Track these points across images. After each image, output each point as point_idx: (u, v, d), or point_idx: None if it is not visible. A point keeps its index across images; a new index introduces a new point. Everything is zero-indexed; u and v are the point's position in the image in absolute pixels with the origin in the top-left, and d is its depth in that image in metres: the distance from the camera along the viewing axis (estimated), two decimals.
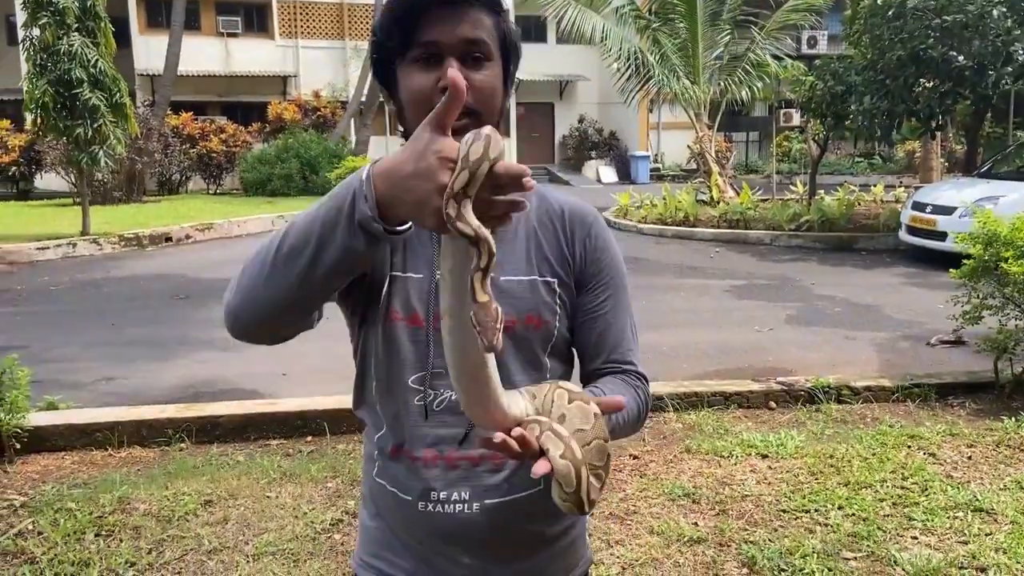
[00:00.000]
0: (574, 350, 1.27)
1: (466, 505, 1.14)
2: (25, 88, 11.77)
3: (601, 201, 17.68)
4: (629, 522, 3.26)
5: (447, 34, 1.08)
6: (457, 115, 0.87)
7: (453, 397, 1.11)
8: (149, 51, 22.40)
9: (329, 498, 3.53)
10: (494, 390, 0.95)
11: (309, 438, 4.29)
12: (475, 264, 0.86)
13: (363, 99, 21.12)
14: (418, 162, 0.87)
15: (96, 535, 3.19)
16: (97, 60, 11.33)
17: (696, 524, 3.21)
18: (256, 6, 25.11)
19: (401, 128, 1.18)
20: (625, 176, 26.48)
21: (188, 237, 13.06)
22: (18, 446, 3.98)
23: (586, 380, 1.25)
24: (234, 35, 24.66)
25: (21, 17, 20.59)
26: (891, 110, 11.22)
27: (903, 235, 10.83)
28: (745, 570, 2.87)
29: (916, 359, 5.84)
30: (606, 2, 16.62)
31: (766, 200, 14.99)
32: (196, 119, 21.99)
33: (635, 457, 3.94)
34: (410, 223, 0.93)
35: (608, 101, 25.88)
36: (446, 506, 1.15)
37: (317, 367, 5.29)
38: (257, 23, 25.34)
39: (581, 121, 28.61)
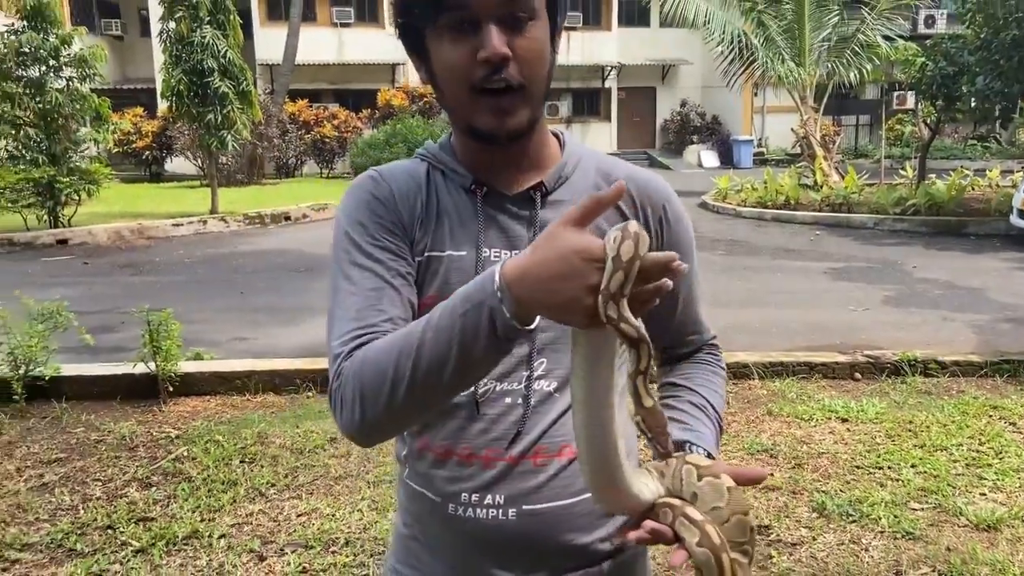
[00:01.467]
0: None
1: (500, 511, 1.04)
2: (161, 77, 12.82)
3: (700, 185, 17.65)
4: None
5: None
6: (600, 214, 0.82)
7: (498, 389, 1.05)
8: (268, 42, 23.60)
9: None
10: (624, 475, 0.89)
11: None
12: (636, 367, 0.82)
13: None
14: (562, 264, 0.80)
15: (240, 461, 3.71)
16: (226, 51, 12.23)
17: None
18: None
19: (439, 101, 1.07)
20: (727, 161, 26.13)
21: (305, 216, 13.90)
22: (171, 389, 4.58)
23: (667, 360, 1.21)
24: (347, 25, 25.66)
25: (153, 11, 22.11)
26: (1005, 91, 10.83)
27: (1015, 219, 10.47)
28: (815, 515, 3.11)
29: (1017, 340, 5.80)
30: None
31: (873, 184, 14.65)
32: (311, 106, 23.09)
33: None
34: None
35: (711, 85, 25.58)
36: (478, 510, 1.04)
37: None
38: (368, 13, 26.27)
39: (683, 105, 28.38)
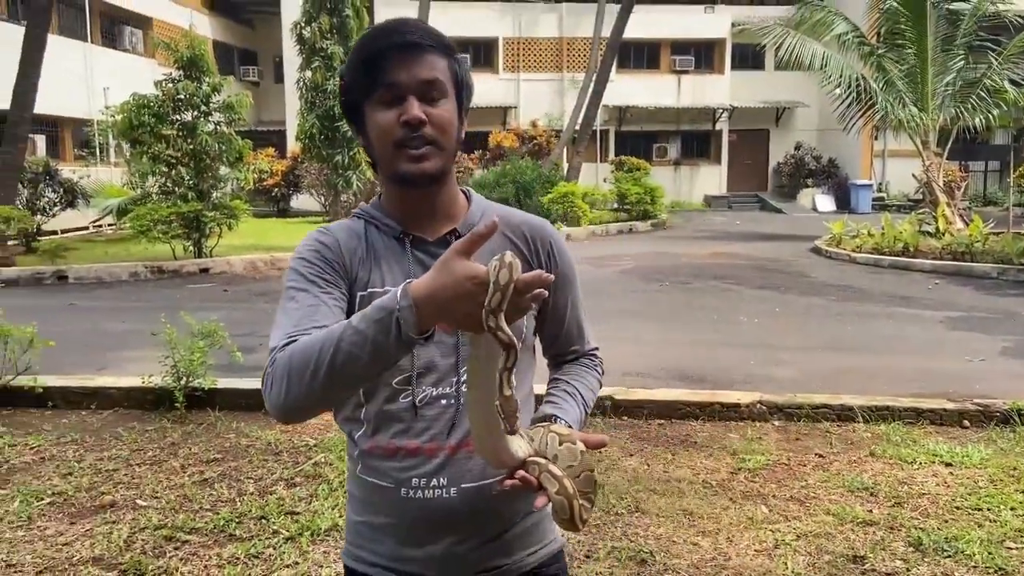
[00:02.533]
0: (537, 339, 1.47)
1: (444, 490, 1.28)
2: (297, 121, 13.87)
3: (813, 229, 17.38)
4: (807, 504, 3.69)
5: (407, 75, 1.25)
6: (479, 246, 1.07)
7: (434, 393, 1.30)
8: None
9: None
10: (504, 441, 1.15)
11: None
12: (503, 364, 1.09)
13: (576, 128, 22.16)
14: (457, 288, 1.04)
15: None
16: None
17: (871, 511, 3.58)
18: (484, 43, 27.10)
19: (370, 160, 1.36)
20: (844, 205, 25.52)
21: None
22: None
23: (555, 364, 1.49)
24: None
25: (287, 59, 23.73)
26: None
27: None
28: (911, 549, 3.22)
29: None
30: (828, 29, 16.47)
31: (999, 233, 14.09)
32: None
33: (820, 456, 4.32)
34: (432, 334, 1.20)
35: (828, 128, 25.19)
36: (426, 492, 1.28)
37: None
38: (484, 58, 27.33)
39: (798, 148, 27.98)
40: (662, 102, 27.29)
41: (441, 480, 1.27)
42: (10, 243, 12.87)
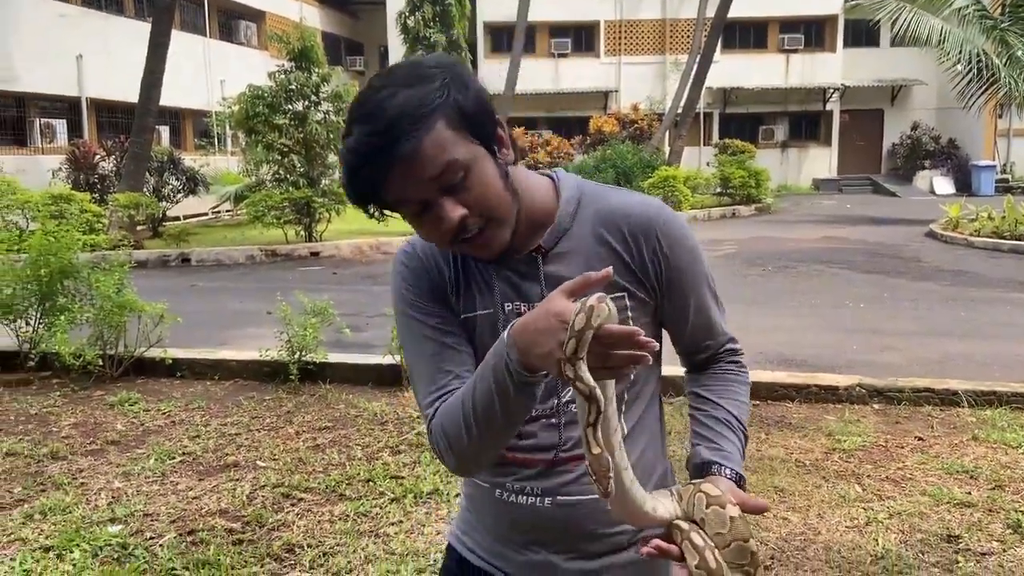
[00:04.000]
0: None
1: (538, 499, 1.23)
2: None
3: (927, 214, 16.61)
4: (903, 485, 3.66)
5: (415, 188, 1.07)
6: (587, 290, 0.98)
7: (536, 412, 1.21)
8: (491, 74, 25.13)
9: None
10: (635, 499, 1.05)
11: None
12: (586, 419, 0.97)
13: (678, 111, 21.85)
14: (541, 322, 0.98)
15: None
16: None
17: (969, 493, 3.52)
18: (585, 27, 27.02)
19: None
20: (964, 187, 24.20)
21: None
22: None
23: (691, 366, 1.35)
24: (564, 55, 26.80)
25: (392, 47, 24.32)
26: None
27: None
28: (1009, 530, 3.16)
29: None
30: (946, 3, 15.64)
31: None
32: (527, 133, 24.32)
33: (920, 439, 4.24)
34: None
35: (947, 106, 23.89)
36: (519, 496, 1.24)
37: None
38: (585, 43, 27.25)
39: (914, 128, 26.68)
40: (769, 82, 26.51)
41: (536, 488, 1.23)
42: (139, 228, 13.82)
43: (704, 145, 26.10)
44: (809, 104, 27.30)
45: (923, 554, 3.04)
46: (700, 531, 1.04)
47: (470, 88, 1.09)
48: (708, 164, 22.86)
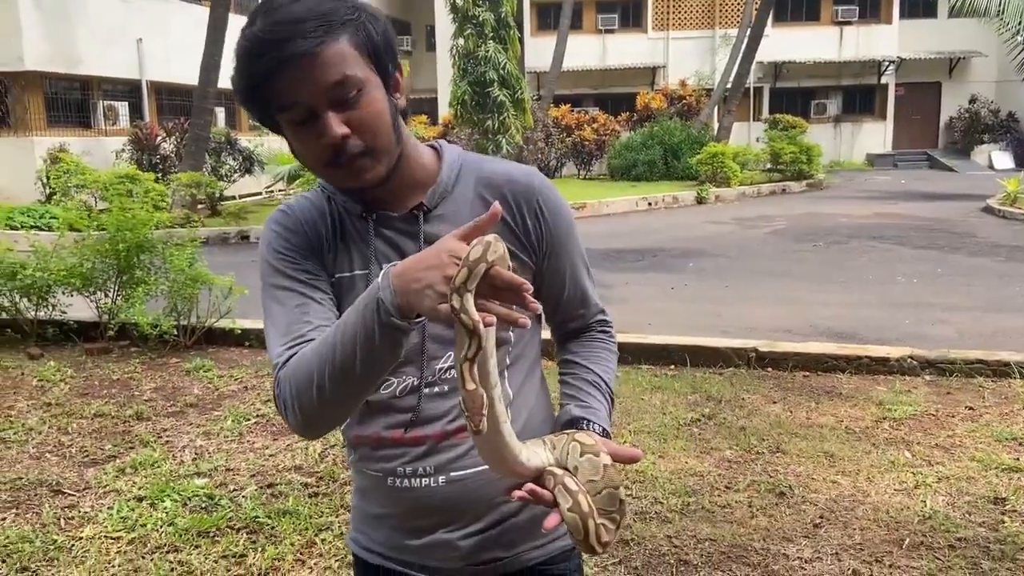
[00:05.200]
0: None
1: (431, 479, 1.19)
2: (450, 88, 14.45)
3: (985, 189, 16.26)
4: (952, 452, 3.75)
5: (308, 91, 1.04)
6: (479, 235, 0.95)
7: (413, 382, 1.18)
8: (538, 50, 25.15)
9: (689, 405, 4.49)
10: (510, 448, 1.02)
11: (672, 366, 5.28)
12: (464, 353, 0.93)
13: (728, 86, 21.62)
14: (431, 258, 0.96)
15: None
16: (506, 63, 13.56)
17: (1017, 459, 3.59)
18: (633, 2, 26.80)
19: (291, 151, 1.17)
20: None
21: None
22: None
23: (562, 337, 1.34)
24: (611, 31, 26.64)
25: (439, 27, 24.42)
26: None
27: None
28: None
29: None
30: None
31: None
32: (573, 110, 24.26)
33: (970, 408, 4.31)
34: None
35: (1007, 79, 23.24)
36: (412, 480, 1.19)
37: (675, 319, 6.28)
38: (633, 18, 27.03)
39: (973, 101, 25.97)
40: (822, 56, 26.01)
41: (427, 468, 1.19)
42: (199, 206, 14.27)
43: (754, 120, 25.78)
44: (863, 77, 26.74)
45: (969, 515, 3.14)
46: (573, 477, 1.06)
47: (380, 21, 1.10)
48: (758, 140, 22.61)
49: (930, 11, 25.95)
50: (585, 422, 1.18)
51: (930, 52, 25.93)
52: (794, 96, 26.89)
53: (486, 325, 0.92)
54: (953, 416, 4.20)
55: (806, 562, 2.86)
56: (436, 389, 1.18)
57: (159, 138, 15.91)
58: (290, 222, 1.20)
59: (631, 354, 5.36)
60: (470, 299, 0.92)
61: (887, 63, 26.12)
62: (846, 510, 3.23)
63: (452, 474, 1.19)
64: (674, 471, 3.63)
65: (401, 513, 1.23)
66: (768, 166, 20.61)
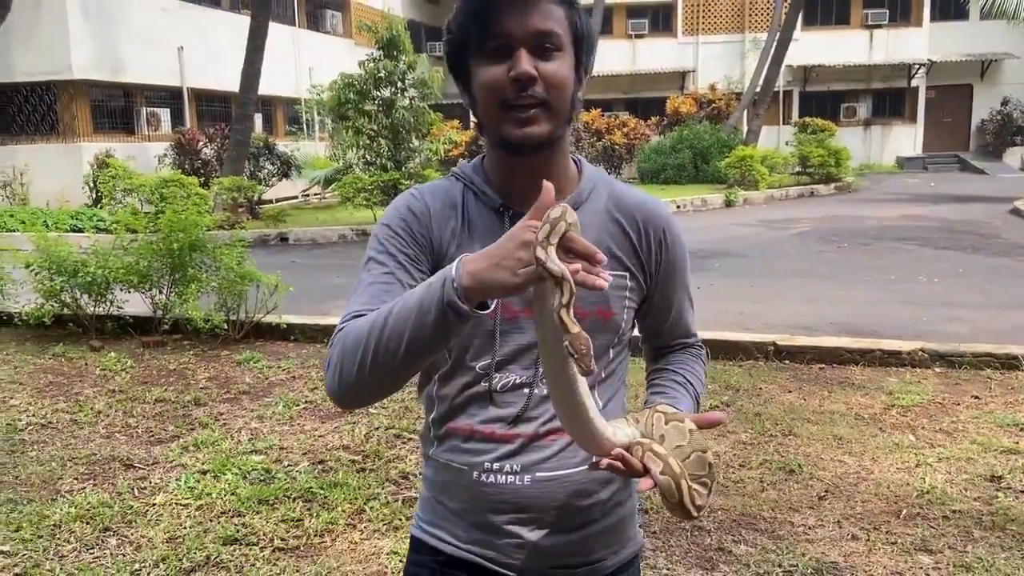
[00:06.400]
0: (638, 334, 1.37)
1: (517, 477, 1.20)
2: None
3: (1015, 191, 16.26)
4: (954, 436, 3.99)
5: (517, 25, 1.11)
6: (543, 213, 0.96)
7: (516, 380, 1.19)
8: None
9: (709, 394, 4.76)
10: (592, 420, 1.03)
11: None
12: (558, 301, 0.94)
13: (757, 90, 21.74)
14: (507, 237, 0.98)
15: None
16: None
17: (1017, 443, 3.83)
18: (663, 7, 26.99)
19: (475, 121, 1.21)
20: None
21: None
22: None
23: (655, 355, 1.38)
24: (641, 36, 26.86)
25: None
26: None
27: None
28: None
29: None
30: None
31: None
32: (603, 115, 24.51)
33: (976, 397, 4.54)
34: (489, 307, 1.03)
35: None
36: (498, 476, 1.20)
37: (700, 317, 6.55)
38: (662, 23, 27.23)
39: (1005, 103, 25.80)
40: (852, 59, 26.01)
41: (514, 466, 1.20)
42: (239, 209, 14.77)
43: (783, 124, 25.83)
44: (893, 80, 26.68)
45: (965, 491, 3.39)
46: (660, 444, 1.08)
47: (589, 19, 1.20)
48: (787, 143, 22.69)
49: (961, 13, 25.81)
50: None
51: (961, 55, 25.81)
52: (824, 99, 26.90)
53: (571, 274, 0.94)
54: (959, 404, 4.44)
55: (809, 528, 3.14)
56: (540, 391, 1.20)
57: (200, 143, 16.48)
58: (417, 205, 1.23)
59: None
60: (552, 251, 0.94)
61: (917, 66, 26.04)
62: (850, 485, 3.50)
63: (538, 474, 1.20)
64: None
65: (482, 508, 1.23)
66: (797, 169, 20.71)
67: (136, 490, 3.71)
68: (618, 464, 1.04)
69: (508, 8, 1.12)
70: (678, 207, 16.32)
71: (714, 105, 24.59)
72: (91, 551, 3.15)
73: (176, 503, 3.56)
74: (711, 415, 1.15)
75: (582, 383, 1.02)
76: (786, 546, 3.01)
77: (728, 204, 16.90)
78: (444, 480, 1.27)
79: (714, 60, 26.44)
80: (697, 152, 20.68)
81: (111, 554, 3.12)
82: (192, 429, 4.51)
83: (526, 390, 1.19)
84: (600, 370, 1.23)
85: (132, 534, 3.29)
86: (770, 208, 16.50)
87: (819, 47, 25.69)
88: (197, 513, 3.45)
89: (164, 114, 18.09)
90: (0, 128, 16.91)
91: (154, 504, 3.55)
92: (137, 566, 3.02)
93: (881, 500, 3.35)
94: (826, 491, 3.45)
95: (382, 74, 13.82)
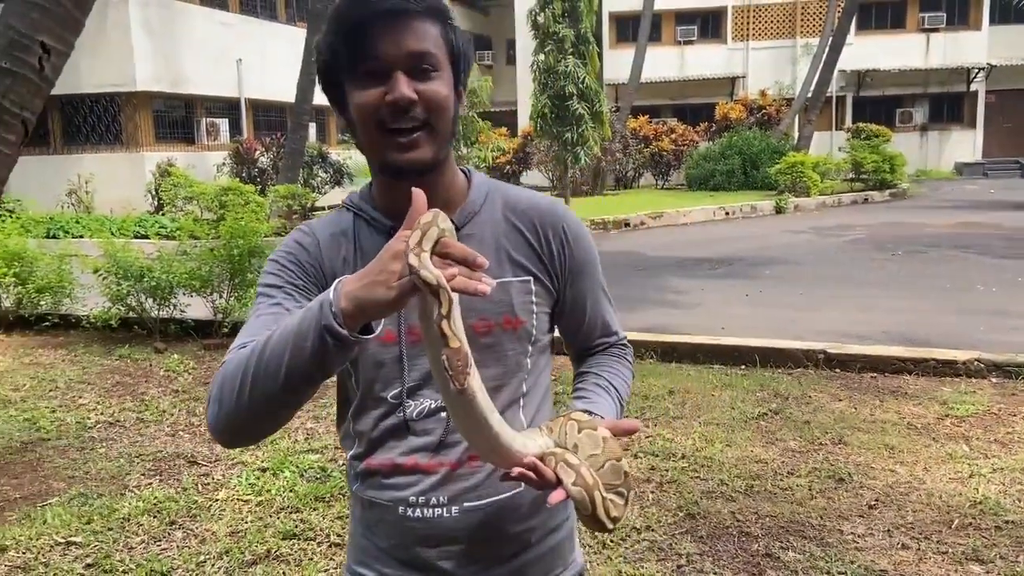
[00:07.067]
0: (558, 337, 1.32)
1: (444, 509, 1.16)
2: (530, 101, 14.93)
3: None
4: (1010, 447, 3.94)
5: (393, 47, 1.07)
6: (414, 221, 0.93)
7: (432, 405, 1.16)
8: (616, 63, 25.42)
9: (757, 401, 4.77)
10: (499, 435, 0.98)
11: (743, 366, 5.55)
12: (438, 312, 0.89)
13: (808, 95, 21.46)
14: (382, 255, 0.95)
15: None
16: (584, 77, 13.97)
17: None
18: (712, 13, 26.82)
19: (354, 141, 1.17)
20: None
21: (642, 223, 15.18)
22: None
23: (579, 358, 1.34)
24: (690, 43, 26.73)
25: (519, 42, 24.96)
26: None
27: None
28: None
29: None
30: None
31: None
32: (651, 121, 24.45)
33: None
34: (374, 331, 0.98)
35: None
36: (425, 510, 1.16)
37: (749, 324, 6.52)
38: (711, 29, 27.06)
39: None
40: (907, 63, 25.50)
41: (440, 498, 1.16)
42: (294, 216, 15.12)
43: (836, 130, 25.44)
44: (951, 85, 26.07)
45: (1019, 502, 3.35)
46: (573, 454, 1.04)
47: (464, 36, 1.17)
48: (840, 149, 22.34)
49: (1021, 17, 25.13)
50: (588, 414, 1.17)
51: (1022, 58, 25.11)
52: (878, 105, 26.41)
53: (448, 280, 0.90)
54: (1015, 415, 4.37)
55: (859, 537, 3.14)
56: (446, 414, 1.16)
57: (257, 152, 16.92)
58: (305, 239, 1.21)
59: (703, 354, 5.67)
60: (427, 258, 0.90)
61: (976, 70, 25.42)
62: (901, 495, 3.49)
63: (466, 504, 1.16)
64: (740, 458, 3.94)
65: (411, 545, 1.18)
66: (850, 176, 20.37)
67: (200, 486, 3.88)
68: (530, 474, 1.01)
69: (381, 30, 1.08)
70: (727, 213, 16.21)
71: (764, 111, 24.33)
72: (158, 543, 3.31)
73: (238, 499, 3.71)
74: (626, 422, 1.13)
75: (482, 397, 0.96)
76: (835, 553, 3.02)
77: (778, 211, 16.72)
78: (371, 518, 1.23)
79: (764, 65, 26.16)
80: (747, 158, 20.50)
81: (177, 546, 3.28)
82: None
83: (443, 414, 1.16)
84: (521, 384, 1.21)
85: (196, 527, 3.44)
86: (822, 215, 16.28)
87: (873, 51, 25.24)
88: (257, 508, 3.59)
89: (223, 124, 18.62)
90: (66, 138, 17.61)
91: (217, 499, 3.70)
92: (202, 558, 3.17)
93: (932, 510, 3.33)
94: (876, 500, 3.45)
95: None
